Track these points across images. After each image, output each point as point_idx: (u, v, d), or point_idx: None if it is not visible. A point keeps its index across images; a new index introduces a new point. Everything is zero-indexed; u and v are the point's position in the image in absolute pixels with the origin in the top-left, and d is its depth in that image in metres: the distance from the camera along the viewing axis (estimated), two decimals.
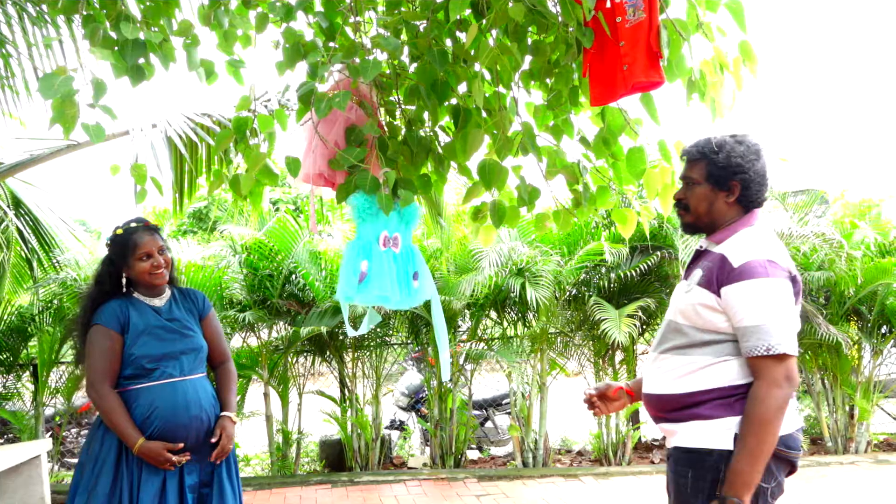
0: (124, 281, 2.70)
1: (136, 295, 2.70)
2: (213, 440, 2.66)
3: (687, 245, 5.57)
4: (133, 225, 2.71)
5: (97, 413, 2.63)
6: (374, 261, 2.40)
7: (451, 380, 5.99)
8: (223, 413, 2.74)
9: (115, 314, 2.61)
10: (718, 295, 1.91)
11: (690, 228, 2.13)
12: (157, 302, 2.72)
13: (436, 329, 2.77)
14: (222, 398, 2.80)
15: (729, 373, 1.92)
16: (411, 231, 2.58)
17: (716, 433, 1.90)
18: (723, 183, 2.02)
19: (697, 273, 2.00)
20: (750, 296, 1.85)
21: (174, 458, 2.53)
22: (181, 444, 2.56)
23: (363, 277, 2.38)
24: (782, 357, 1.82)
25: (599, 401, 2.36)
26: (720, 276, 1.91)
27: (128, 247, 2.64)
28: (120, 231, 2.69)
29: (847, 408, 6.29)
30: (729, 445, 1.87)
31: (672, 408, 2.00)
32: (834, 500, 4.91)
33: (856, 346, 6.07)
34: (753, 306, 1.85)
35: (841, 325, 5.98)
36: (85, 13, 2.30)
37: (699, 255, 2.11)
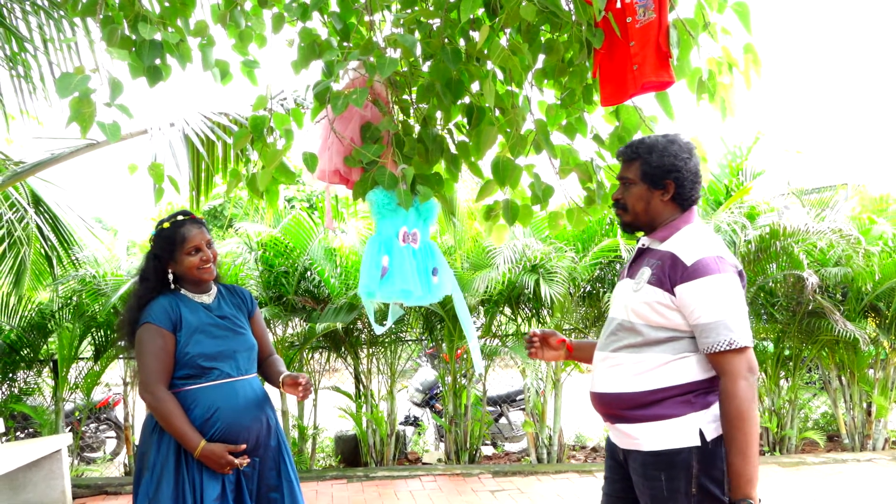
0: (170, 277, 2.56)
1: (183, 291, 2.57)
2: (300, 381, 2.54)
3: None
4: (180, 218, 2.57)
5: (149, 415, 2.48)
6: (394, 256, 2.40)
7: (465, 376, 6.01)
8: (284, 373, 2.64)
9: (165, 311, 2.45)
10: (672, 293, 1.92)
11: (629, 228, 2.15)
12: (206, 299, 2.59)
13: (462, 323, 2.77)
14: (277, 370, 2.70)
15: (688, 369, 1.93)
16: (429, 227, 2.58)
17: (681, 431, 1.91)
18: (657, 182, 2.04)
19: (645, 272, 2.01)
20: (706, 293, 1.88)
21: (235, 460, 2.41)
22: (243, 445, 2.45)
23: (385, 273, 2.38)
24: (743, 350, 1.86)
25: (540, 343, 2.40)
26: (672, 275, 1.93)
27: (175, 241, 2.51)
28: (167, 225, 2.54)
29: (864, 405, 6.25)
30: (696, 441, 1.89)
31: (630, 406, 1.99)
32: (851, 497, 4.88)
33: (874, 343, 6.01)
34: (710, 303, 1.87)
35: (858, 321, 5.94)
36: (103, 15, 2.33)
37: (641, 252, 2.12)
